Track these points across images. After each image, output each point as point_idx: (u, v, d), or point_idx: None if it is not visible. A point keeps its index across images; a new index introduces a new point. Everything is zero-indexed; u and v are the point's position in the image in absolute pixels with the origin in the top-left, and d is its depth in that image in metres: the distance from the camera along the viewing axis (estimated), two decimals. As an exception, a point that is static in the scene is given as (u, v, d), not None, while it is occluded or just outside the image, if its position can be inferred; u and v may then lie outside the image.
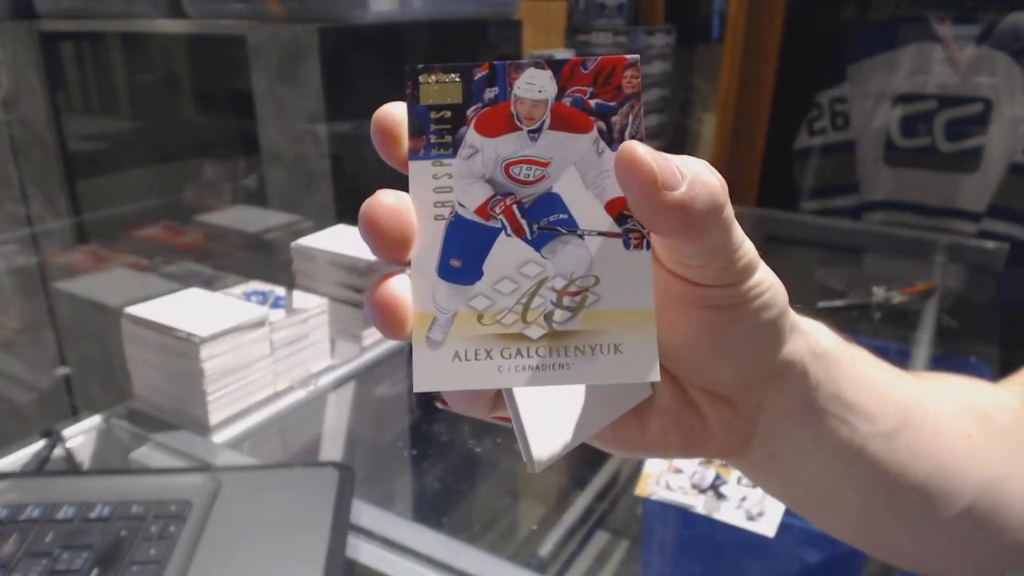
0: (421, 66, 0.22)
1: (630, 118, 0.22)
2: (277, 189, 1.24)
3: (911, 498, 0.31)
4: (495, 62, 0.22)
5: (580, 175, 0.22)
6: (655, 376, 0.22)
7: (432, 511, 0.77)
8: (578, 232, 0.22)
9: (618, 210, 0.22)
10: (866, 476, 0.30)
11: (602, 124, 0.22)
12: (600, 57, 0.22)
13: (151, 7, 1.32)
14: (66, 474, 0.70)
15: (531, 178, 0.22)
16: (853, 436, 0.29)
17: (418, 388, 0.21)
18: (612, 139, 0.22)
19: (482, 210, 0.22)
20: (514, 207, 0.22)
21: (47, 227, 1.51)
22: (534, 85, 0.22)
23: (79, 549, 0.55)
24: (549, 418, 0.24)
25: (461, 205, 0.22)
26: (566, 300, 0.22)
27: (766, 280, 0.24)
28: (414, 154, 0.22)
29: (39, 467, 0.70)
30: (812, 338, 0.28)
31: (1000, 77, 1.65)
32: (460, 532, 0.67)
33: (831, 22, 2.03)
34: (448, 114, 0.22)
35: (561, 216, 0.22)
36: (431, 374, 0.21)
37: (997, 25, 1.64)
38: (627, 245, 0.22)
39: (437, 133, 0.22)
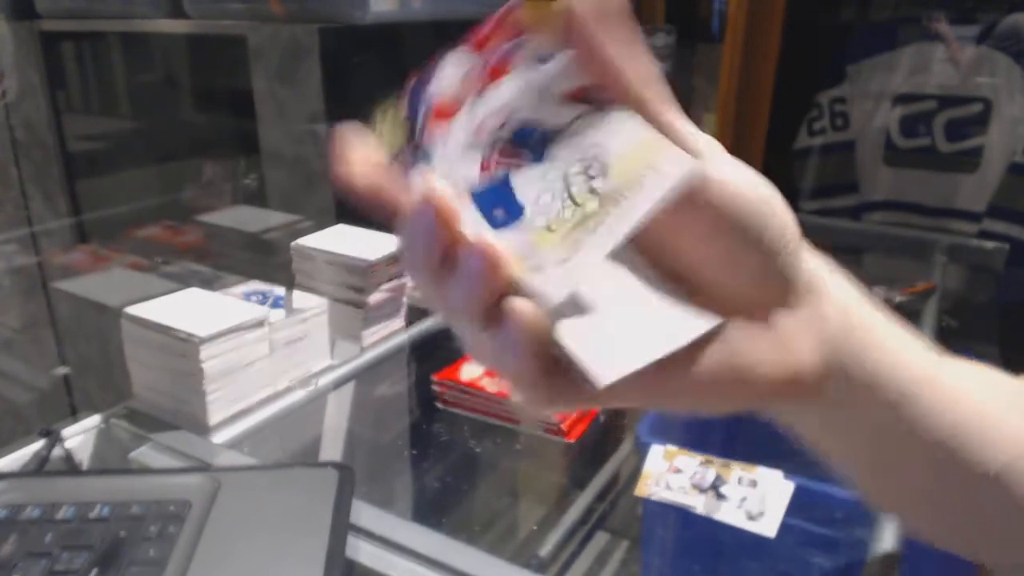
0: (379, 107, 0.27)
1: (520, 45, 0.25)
2: (277, 189, 1.24)
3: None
4: (409, 92, 0.27)
5: (534, 93, 0.25)
6: (695, 163, 0.24)
7: (432, 511, 0.77)
8: (563, 128, 0.25)
9: (580, 96, 0.25)
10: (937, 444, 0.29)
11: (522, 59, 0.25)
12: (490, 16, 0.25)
13: (151, 7, 1.32)
14: (66, 474, 0.70)
15: (502, 124, 0.25)
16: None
17: (557, 294, 0.23)
18: (540, 59, 0.25)
19: (484, 171, 0.25)
20: (503, 150, 0.25)
21: (47, 227, 1.51)
22: (443, 84, 0.26)
23: (79, 549, 0.54)
24: (610, 337, 0.25)
25: (466, 179, 0.25)
26: (592, 170, 0.24)
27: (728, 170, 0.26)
28: (410, 169, 0.26)
29: (39, 467, 0.70)
30: (838, 279, 0.29)
31: (1000, 77, 1.64)
32: (460, 532, 0.67)
33: (831, 22, 2.02)
34: (408, 136, 0.26)
35: (543, 129, 0.25)
36: (558, 282, 0.24)
37: (997, 25, 1.64)
38: (602, 110, 0.25)
39: (410, 153, 0.26)
